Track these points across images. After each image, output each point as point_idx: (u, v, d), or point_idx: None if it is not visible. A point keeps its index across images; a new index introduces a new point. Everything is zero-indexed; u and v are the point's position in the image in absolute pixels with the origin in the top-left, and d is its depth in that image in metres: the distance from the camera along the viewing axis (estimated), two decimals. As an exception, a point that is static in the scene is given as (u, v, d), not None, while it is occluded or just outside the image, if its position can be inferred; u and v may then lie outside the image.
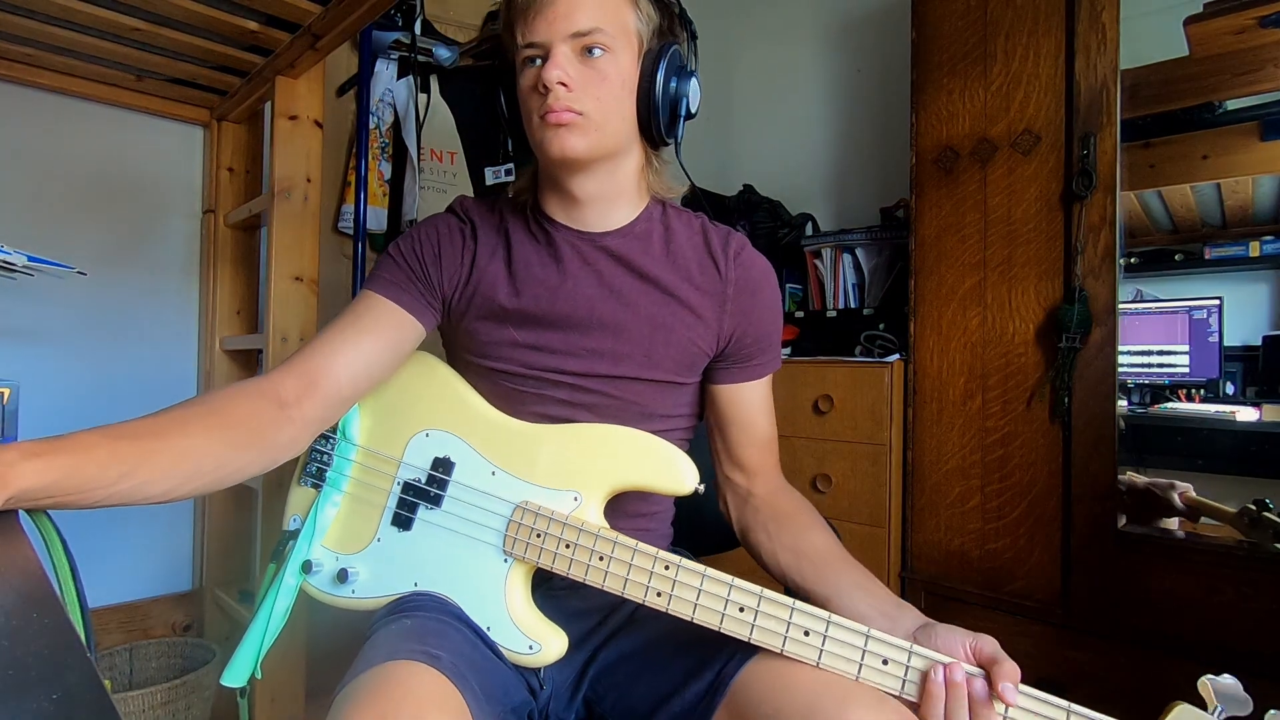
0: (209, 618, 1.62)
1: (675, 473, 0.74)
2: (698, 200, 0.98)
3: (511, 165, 1.93)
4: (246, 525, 1.67)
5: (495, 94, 0.81)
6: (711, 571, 0.69)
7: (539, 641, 0.73)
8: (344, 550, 0.81)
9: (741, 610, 0.67)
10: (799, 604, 0.66)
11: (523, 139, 0.80)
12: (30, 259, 0.97)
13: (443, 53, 1.79)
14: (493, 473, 0.77)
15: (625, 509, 0.82)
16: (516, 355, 0.80)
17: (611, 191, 0.80)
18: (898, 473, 1.58)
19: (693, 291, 0.81)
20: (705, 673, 0.69)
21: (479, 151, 1.95)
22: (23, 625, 0.40)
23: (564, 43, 0.71)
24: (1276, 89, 1.34)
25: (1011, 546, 1.43)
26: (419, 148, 1.78)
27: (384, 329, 0.78)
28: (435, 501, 0.78)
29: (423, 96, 1.81)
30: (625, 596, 0.70)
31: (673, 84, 0.77)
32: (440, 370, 0.85)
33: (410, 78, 1.77)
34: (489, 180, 1.95)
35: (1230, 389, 1.41)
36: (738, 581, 0.68)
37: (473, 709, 0.61)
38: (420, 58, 1.76)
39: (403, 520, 0.79)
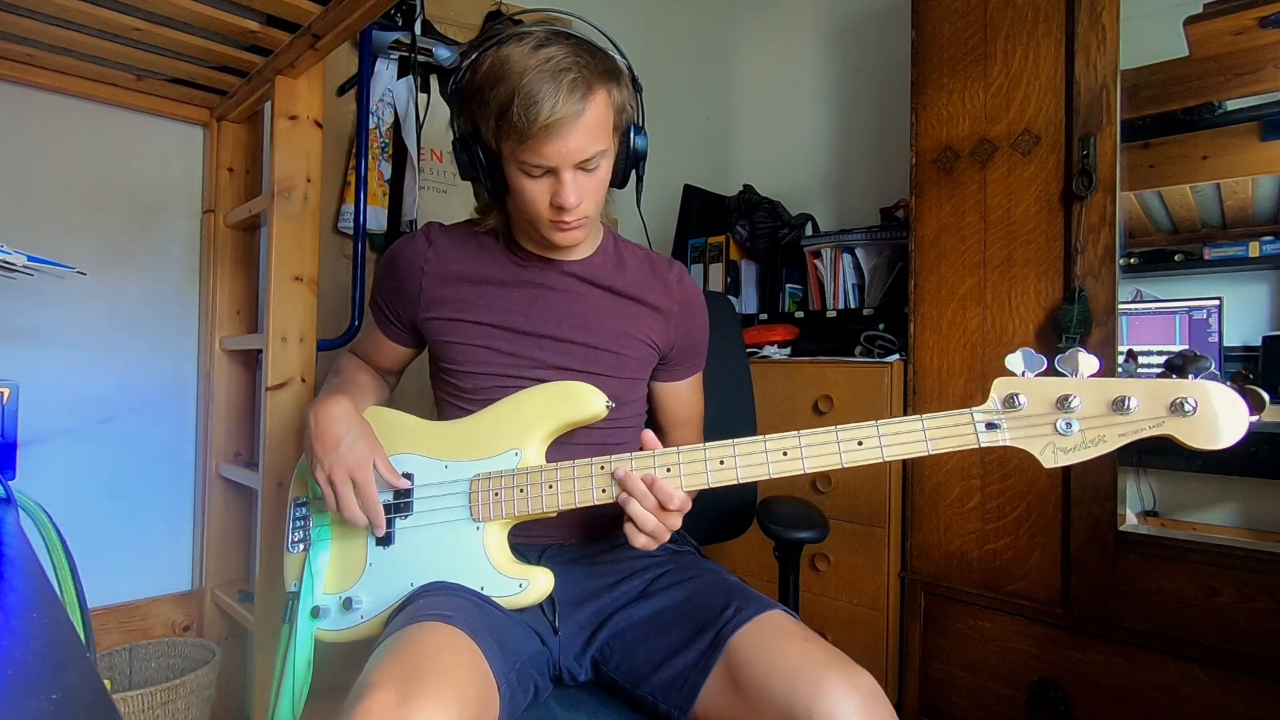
0: (209, 618, 1.62)
1: (585, 402, 0.86)
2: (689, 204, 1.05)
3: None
4: (246, 525, 1.67)
5: (477, 170, 0.87)
6: (636, 454, 0.81)
7: (525, 579, 0.83)
8: (344, 587, 0.88)
9: (669, 470, 0.80)
10: (657, 450, 0.81)
11: (503, 201, 0.92)
12: (30, 259, 0.97)
13: (443, 53, 1.79)
14: (445, 466, 0.88)
15: (582, 454, 0.92)
16: (495, 361, 0.92)
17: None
18: (897, 473, 1.58)
19: (648, 302, 0.97)
20: (705, 635, 0.78)
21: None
22: (23, 625, 0.40)
23: (569, 169, 0.81)
24: (1276, 89, 1.34)
25: (1011, 546, 1.43)
26: (419, 148, 1.78)
27: (384, 348, 1.04)
28: (407, 509, 0.88)
29: (423, 96, 1.81)
30: (580, 506, 0.81)
31: (635, 149, 0.89)
32: (377, 411, 0.96)
33: (410, 78, 1.77)
34: (489, 180, 1.95)
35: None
36: (658, 452, 0.80)
37: (488, 656, 0.71)
38: (420, 58, 1.76)
39: (385, 538, 0.88)
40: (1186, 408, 0.65)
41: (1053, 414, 0.70)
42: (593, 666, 0.87)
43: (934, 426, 0.73)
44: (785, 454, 0.77)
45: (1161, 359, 1.45)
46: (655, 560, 0.94)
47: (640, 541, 0.79)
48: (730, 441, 0.78)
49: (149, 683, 1.45)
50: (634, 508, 0.78)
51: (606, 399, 0.86)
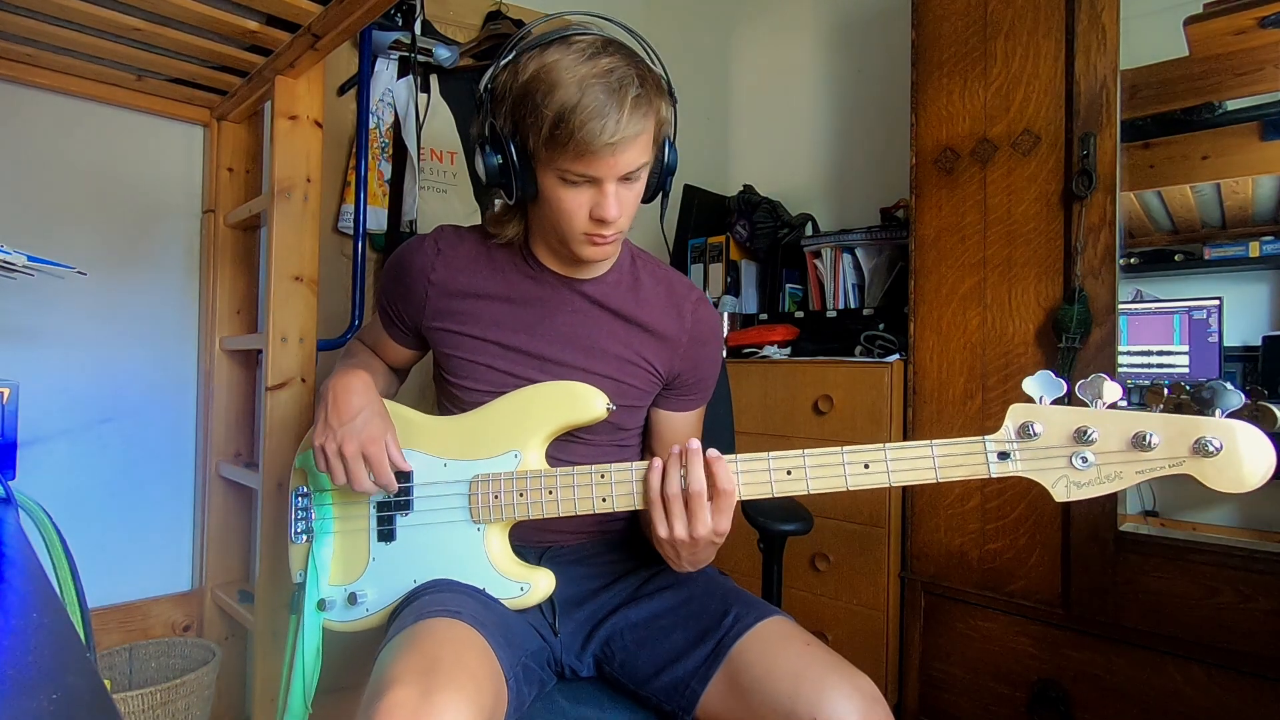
0: (209, 618, 1.62)
1: (585, 404, 0.85)
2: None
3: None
4: (246, 525, 1.67)
5: (507, 174, 0.81)
6: (635, 463, 0.81)
7: (527, 582, 0.84)
8: (348, 580, 0.89)
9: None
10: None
11: (525, 208, 0.88)
12: (30, 259, 0.97)
13: (443, 53, 1.79)
14: (445, 465, 0.88)
15: (588, 455, 0.93)
16: (493, 379, 0.91)
17: None
18: (898, 473, 1.58)
19: (656, 330, 0.93)
20: (706, 642, 0.80)
21: (479, 151, 1.95)
22: (23, 625, 0.40)
23: (614, 180, 0.77)
24: (1276, 89, 1.34)
25: (1011, 546, 1.43)
26: (419, 148, 1.78)
27: (390, 347, 1.02)
28: (406, 507, 0.88)
29: (423, 96, 1.81)
30: (579, 513, 0.81)
31: (669, 164, 0.85)
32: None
33: (410, 78, 1.77)
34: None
35: (1230, 389, 1.41)
36: (656, 462, 0.78)
37: (496, 651, 0.72)
38: (420, 58, 1.76)
39: (386, 534, 0.89)
40: (1210, 448, 0.62)
41: (1069, 446, 0.67)
42: (595, 664, 0.88)
43: (944, 454, 0.71)
44: (789, 473, 0.76)
45: (1163, 359, 1.46)
46: (649, 560, 0.95)
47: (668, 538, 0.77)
48: (733, 457, 0.77)
49: (149, 683, 1.45)
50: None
51: (608, 400, 0.85)
